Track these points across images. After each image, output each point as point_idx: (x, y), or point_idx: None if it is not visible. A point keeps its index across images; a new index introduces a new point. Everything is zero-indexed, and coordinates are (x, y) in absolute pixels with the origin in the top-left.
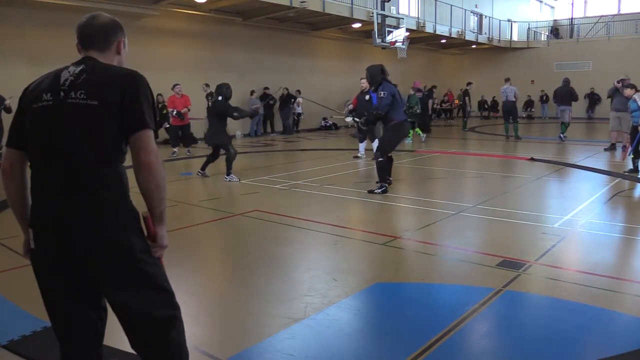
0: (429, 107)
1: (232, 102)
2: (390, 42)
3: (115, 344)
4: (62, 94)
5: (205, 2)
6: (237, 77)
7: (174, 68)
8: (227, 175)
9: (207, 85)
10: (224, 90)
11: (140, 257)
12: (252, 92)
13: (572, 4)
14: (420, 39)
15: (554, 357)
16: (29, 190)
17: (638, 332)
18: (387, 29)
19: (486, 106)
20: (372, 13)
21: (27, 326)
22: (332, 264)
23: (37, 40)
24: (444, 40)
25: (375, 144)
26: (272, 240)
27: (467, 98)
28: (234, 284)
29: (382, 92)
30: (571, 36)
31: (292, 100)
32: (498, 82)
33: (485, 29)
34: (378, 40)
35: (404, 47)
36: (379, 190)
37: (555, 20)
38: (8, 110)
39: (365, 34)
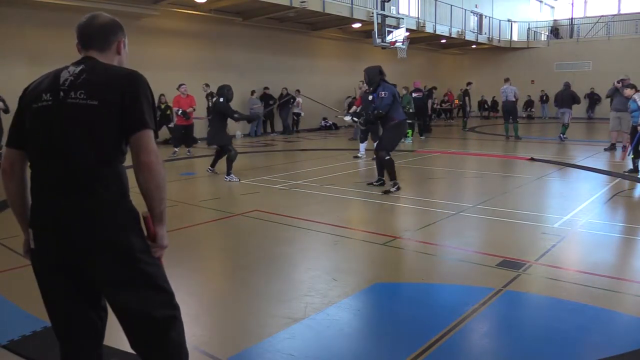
0: (428, 107)
1: (233, 102)
2: (390, 42)
3: (115, 344)
4: (61, 94)
5: (205, 2)
6: (237, 77)
7: (174, 68)
8: (227, 175)
9: (207, 85)
10: (225, 91)
11: (140, 257)
12: (252, 92)
13: (572, 4)
14: (420, 39)
15: (554, 357)
16: (29, 190)
17: (638, 332)
18: (387, 29)
19: (486, 106)
20: (372, 13)
21: (27, 326)
22: (332, 264)
23: (37, 40)
24: (444, 40)
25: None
26: (272, 240)
27: (467, 98)
28: (234, 284)
29: (382, 92)
30: (571, 36)
31: (292, 100)
32: (498, 82)
33: (485, 29)
34: (378, 40)
35: (404, 47)
36: (394, 189)
37: (555, 20)
38: (6, 111)
39: (365, 34)
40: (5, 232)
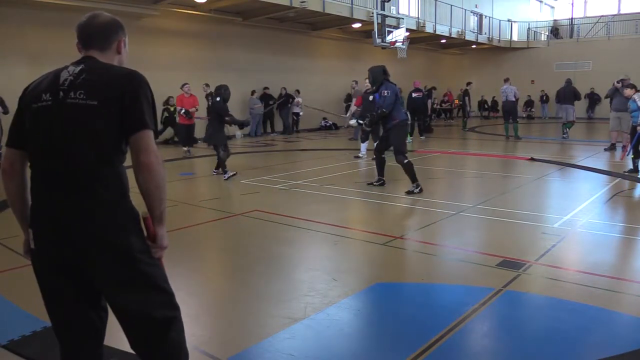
0: (428, 107)
1: (233, 102)
2: (390, 42)
3: (115, 344)
4: (61, 94)
5: (205, 2)
6: (237, 77)
7: (174, 68)
8: (224, 174)
9: (207, 85)
10: (222, 91)
11: (139, 257)
12: (252, 92)
13: (572, 4)
14: (420, 39)
15: (554, 357)
16: (29, 190)
17: (638, 332)
18: (387, 29)
19: (486, 106)
20: (372, 13)
21: (27, 326)
22: (332, 264)
23: (37, 40)
24: (444, 40)
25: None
26: (272, 240)
27: (467, 98)
28: (234, 284)
29: (385, 91)
30: (571, 36)
31: (291, 100)
32: (498, 82)
33: (485, 29)
34: (378, 40)
35: (404, 47)
36: (417, 190)
37: (555, 20)
38: (5, 112)
39: (365, 34)
40: (6, 232)
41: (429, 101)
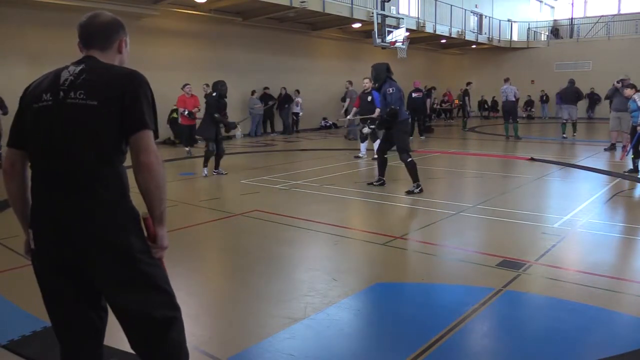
0: (427, 107)
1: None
2: (390, 42)
3: (115, 344)
4: (61, 94)
5: (205, 2)
6: (237, 77)
7: (174, 68)
8: (215, 169)
9: (207, 85)
10: (219, 87)
11: (140, 257)
12: (252, 92)
13: (572, 4)
14: (420, 39)
15: (554, 357)
16: (29, 190)
17: (638, 332)
18: (387, 29)
19: (486, 106)
20: (372, 13)
21: (27, 326)
22: (332, 264)
23: (37, 40)
24: (444, 40)
25: (376, 144)
26: (272, 240)
27: (467, 98)
28: (234, 284)
29: (389, 89)
30: (571, 36)
31: (287, 104)
32: (498, 82)
33: (485, 29)
34: (378, 40)
35: (404, 47)
36: (417, 190)
37: (555, 20)
38: (4, 113)
39: (365, 34)
40: (6, 232)
41: (428, 100)
